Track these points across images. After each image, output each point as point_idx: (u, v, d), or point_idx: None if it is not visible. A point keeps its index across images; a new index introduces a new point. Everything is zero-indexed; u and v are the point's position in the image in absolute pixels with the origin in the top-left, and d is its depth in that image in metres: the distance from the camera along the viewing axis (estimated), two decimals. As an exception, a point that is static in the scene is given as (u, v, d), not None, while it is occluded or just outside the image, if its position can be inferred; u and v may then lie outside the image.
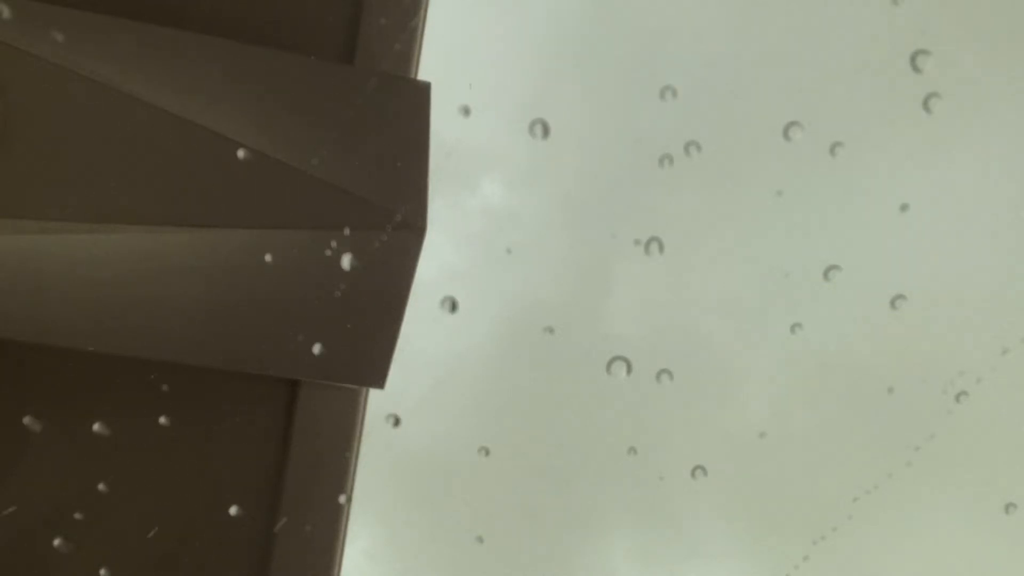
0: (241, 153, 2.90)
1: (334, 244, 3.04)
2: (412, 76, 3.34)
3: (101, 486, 3.00)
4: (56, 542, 2.93)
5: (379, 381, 3.21)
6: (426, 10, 3.32)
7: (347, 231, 3.04)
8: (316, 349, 3.09)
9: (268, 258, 2.99)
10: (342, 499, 3.20)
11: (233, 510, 3.11)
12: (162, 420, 3.06)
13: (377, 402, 3.34)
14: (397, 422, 3.25)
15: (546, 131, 3.03)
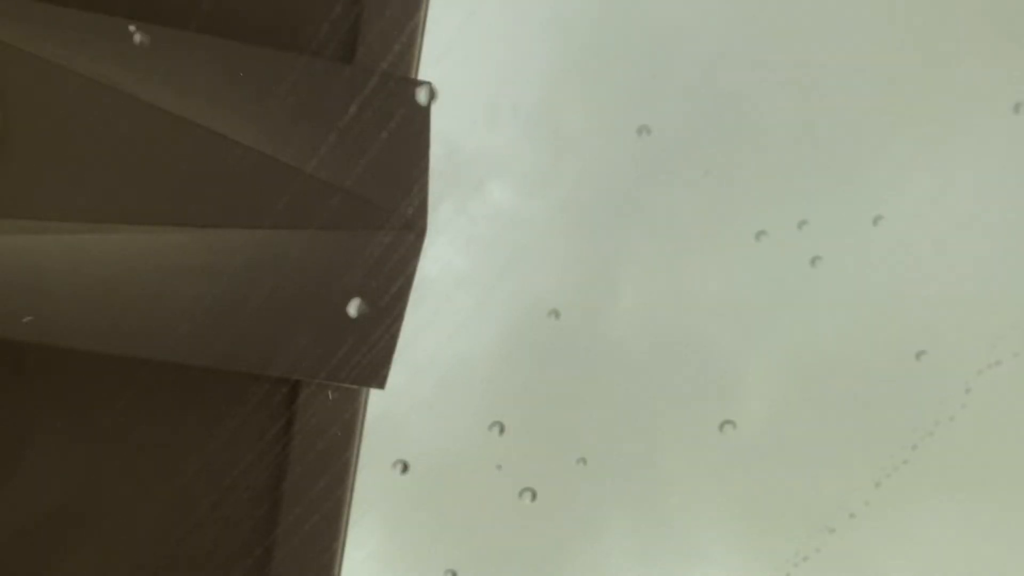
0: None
1: (334, 244, 3.04)
2: (412, 76, 3.34)
3: (101, 486, 3.00)
4: (56, 541, 2.93)
5: (379, 381, 3.21)
6: (426, 10, 3.32)
7: (347, 231, 3.04)
8: (317, 349, 3.09)
9: (268, 258, 2.99)
10: (342, 499, 3.20)
11: (233, 510, 3.11)
12: (162, 420, 3.05)
13: (377, 402, 3.34)
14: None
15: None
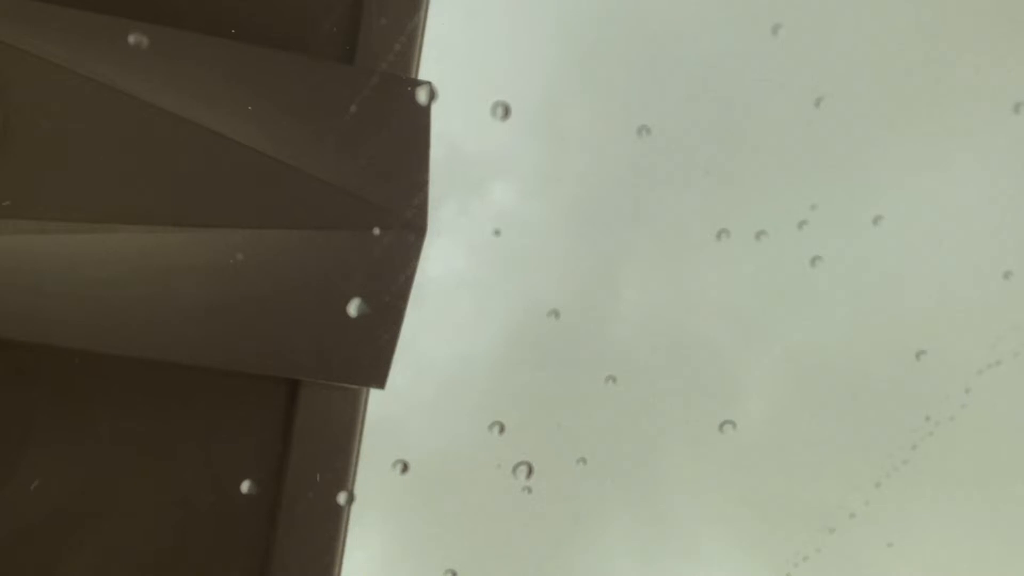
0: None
1: (334, 244, 3.04)
2: (412, 76, 3.34)
3: (101, 486, 3.00)
4: (56, 542, 2.93)
5: (379, 381, 3.21)
6: (426, 10, 3.32)
7: (347, 231, 3.04)
8: (316, 349, 3.09)
9: (269, 258, 2.99)
10: (342, 499, 3.20)
11: (233, 510, 3.11)
12: (162, 420, 3.05)
13: (377, 402, 3.34)
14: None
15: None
